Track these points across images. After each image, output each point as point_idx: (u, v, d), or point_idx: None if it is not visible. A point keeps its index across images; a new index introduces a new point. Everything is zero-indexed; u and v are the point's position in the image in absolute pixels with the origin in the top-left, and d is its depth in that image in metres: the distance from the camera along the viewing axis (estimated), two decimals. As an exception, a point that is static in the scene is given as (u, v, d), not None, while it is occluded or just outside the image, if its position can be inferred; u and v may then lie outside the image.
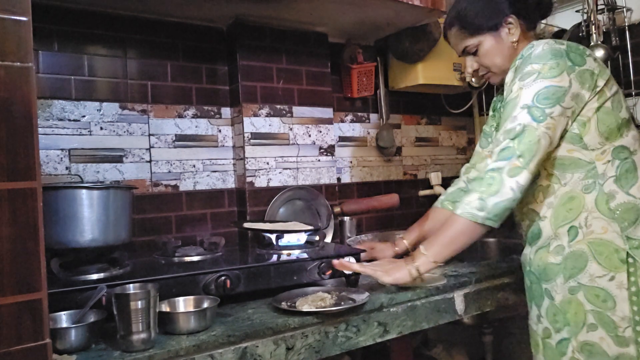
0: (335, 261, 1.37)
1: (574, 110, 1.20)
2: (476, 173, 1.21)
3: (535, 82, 1.18)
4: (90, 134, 1.67)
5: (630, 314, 1.15)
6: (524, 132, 1.16)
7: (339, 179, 2.21)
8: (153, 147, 1.78)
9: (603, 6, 2.03)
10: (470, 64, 1.40)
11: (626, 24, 2.02)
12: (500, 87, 1.46)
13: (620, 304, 1.16)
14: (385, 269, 1.32)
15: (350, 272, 1.42)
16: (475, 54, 1.38)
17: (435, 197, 2.43)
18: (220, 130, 1.92)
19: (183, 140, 1.84)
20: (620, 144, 1.22)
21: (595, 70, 1.22)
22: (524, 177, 1.16)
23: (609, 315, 1.16)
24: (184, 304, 1.19)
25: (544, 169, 1.25)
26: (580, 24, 2.03)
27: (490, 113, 1.58)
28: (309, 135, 2.02)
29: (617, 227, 1.18)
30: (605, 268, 1.17)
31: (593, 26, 1.98)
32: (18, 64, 0.80)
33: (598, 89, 1.21)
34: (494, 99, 1.59)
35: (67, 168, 1.63)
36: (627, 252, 1.16)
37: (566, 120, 1.20)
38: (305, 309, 1.21)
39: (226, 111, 1.94)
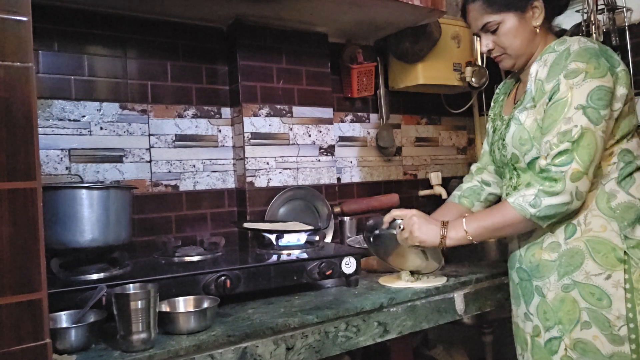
0: (385, 217, 1.42)
1: (619, 110, 1.20)
2: (540, 166, 1.18)
3: (585, 81, 1.16)
4: (90, 134, 1.67)
5: (625, 313, 1.15)
6: (584, 136, 1.13)
7: (339, 179, 2.21)
8: (153, 147, 1.78)
9: (603, 6, 2.03)
10: (486, 42, 1.33)
11: (626, 24, 2.02)
12: (508, 72, 1.41)
13: (616, 303, 1.16)
14: (420, 225, 1.31)
15: (350, 272, 1.43)
16: (494, 32, 1.31)
17: (435, 197, 2.46)
18: (220, 130, 1.92)
19: (183, 140, 1.84)
20: (626, 147, 1.23)
21: (626, 70, 1.22)
22: (584, 184, 1.15)
23: (603, 314, 1.17)
24: (184, 304, 1.19)
25: None
26: (580, 24, 2.03)
27: (492, 104, 1.52)
28: (309, 135, 2.02)
29: (617, 226, 1.18)
30: (601, 266, 1.18)
31: (593, 26, 1.98)
32: (18, 64, 0.80)
33: (628, 91, 1.21)
34: (497, 90, 1.53)
35: (67, 168, 1.63)
36: (625, 251, 1.17)
37: (613, 123, 1.20)
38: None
39: (226, 111, 1.94)
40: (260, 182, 1.89)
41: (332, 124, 2.10)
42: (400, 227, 1.36)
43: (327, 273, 1.39)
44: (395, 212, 1.40)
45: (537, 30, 1.30)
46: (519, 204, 1.18)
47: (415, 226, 1.32)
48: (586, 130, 1.14)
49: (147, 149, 1.77)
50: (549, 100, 1.20)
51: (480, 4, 1.31)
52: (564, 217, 1.21)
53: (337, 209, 2.02)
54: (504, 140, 1.34)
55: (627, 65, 2.01)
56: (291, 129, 1.98)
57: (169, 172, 1.81)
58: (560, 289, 1.22)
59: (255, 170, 1.89)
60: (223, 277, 1.26)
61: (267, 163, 1.92)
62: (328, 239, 1.96)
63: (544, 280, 1.25)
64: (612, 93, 1.17)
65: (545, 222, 1.19)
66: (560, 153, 1.15)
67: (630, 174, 1.22)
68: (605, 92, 1.16)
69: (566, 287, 1.21)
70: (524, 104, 1.29)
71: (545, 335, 1.24)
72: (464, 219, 1.28)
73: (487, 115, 2.57)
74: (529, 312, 1.29)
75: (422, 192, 2.46)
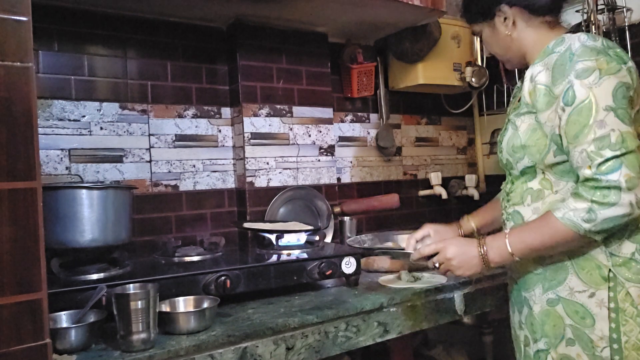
0: (414, 255, 1.28)
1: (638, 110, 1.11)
2: (585, 176, 1.06)
3: (602, 79, 1.06)
4: (90, 134, 1.67)
5: (608, 333, 1.10)
6: (625, 139, 1.03)
7: (339, 179, 2.21)
8: (153, 147, 1.78)
9: (603, 6, 2.03)
10: (486, 48, 1.39)
11: (626, 24, 2.01)
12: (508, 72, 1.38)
13: (599, 323, 1.10)
14: (459, 262, 1.19)
15: (350, 272, 1.42)
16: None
17: (435, 197, 2.46)
18: (220, 130, 1.92)
19: (183, 140, 1.84)
20: None
21: (634, 68, 1.13)
22: None
23: (587, 333, 1.12)
24: (184, 304, 1.19)
25: (541, 173, 1.18)
26: (580, 24, 2.03)
27: (511, 99, 1.45)
28: (309, 135, 2.02)
29: (601, 242, 1.11)
30: (585, 283, 1.12)
31: (593, 26, 1.98)
32: (18, 64, 0.80)
33: (635, 94, 1.11)
34: (517, 84, 1.44)
35: (67, 168, 1.63)
36: (610, 269, 1.10)
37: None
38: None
39: (226, 111, 1.94)
40: (260, 182, 1.89)
41: (332, 124, 2.10)
42: (435, 266, 1.23)
43: (327, 273, 1.39)
44: (426, 251, 1.24)
45: (514, 35, 1.25)
46: (570, 219, 1.05)
47: (454, 263, 1.20)
48: (625, 133, 1.04)
49: (147, 149, 1.77)
50: (565, 105, 1.09)
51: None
52: None
53: (337, 209, 2.02)
54: (501, 143, 1.29)
55: (627, 65, 2.02)
56: (291, 129, 1.98)
57: (169, 172, 1.81)
58: (546, 303, 1.17)
59: (255, 170, 1.89)
60: (223, 277, 1.26)
61: (267, 163, 1.92)
62: (328, 239, 1.96)
63: (530, 292, 1.21)
64: (631, 89, 1.08)
65: (601, 236, 1.08)
66: (605, 160, 1.03)
67: None
68: (626, 89, 1.07)
69: (551, 301, 1.16)
70: (518, 109, 1.23)
71: (533, 347, 1.21)
72: (507, 240, 1.15)
73: (486, 115, 2.58)
74: (521, 321, 1.26)
75: (422, 192, 2.46)
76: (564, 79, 1.10)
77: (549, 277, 1.17)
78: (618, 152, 1.02)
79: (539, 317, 1.19)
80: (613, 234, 1.10)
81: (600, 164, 1.03)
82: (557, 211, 1.08)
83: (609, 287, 1.10)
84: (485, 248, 1.17)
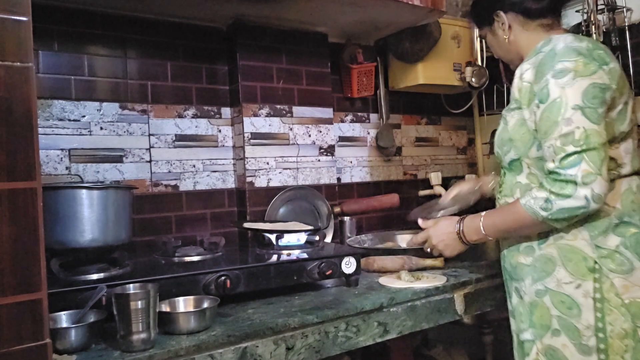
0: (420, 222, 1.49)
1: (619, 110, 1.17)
2: (548, 169, 1.13)
3: (575, 80, 1.12)
4: (90, 134, 1.67)
5: (594, 323, 1.14)
6: (588, 136, 1.08)
7: (339, 179, 2.21)
8: (153, 147, 1.78)
9: (603, 6, 2.03)
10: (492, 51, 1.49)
11: (626, 24, 2.01)
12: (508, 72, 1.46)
13: (585, 313, 1.14)
14: (444, 246, 1.39)
15: (350, 272, 1.43)
16: None
17: (435, 197, 2.45)
18: (220, 130, 1.92)
19: (183, 140, 1.84)
20: (610, 154, 1.16)
21: (616, 69, 1.17)
22: (600, 185, 1.07)
23: (573, 323, 1.15)
24: (184, 304, 1.19)
25: (527, 167, 1.23)
26: (580, 24, 2.03)
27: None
28: (309, 135, 2.02)
29: (587, 235, 1.16)
30: (572, 275, 1.16)
31: (593, 26, 1.98)
32: (18, 64, 0.80)
33: (617, 94, 1.16)
34: None
35: (67, 168, 1.63)
36: (595, 261, 1.15)
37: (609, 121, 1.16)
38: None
39: (226, 111, 1.94)
40: (260, 182, 1.89)
41: (332, 124, 2.10)
42: (428, 251, 1.46)
43: (327, 273, 1.39)
44: (417, 241, 1.47)
45: (511, 39, 1.34)
46: (530, 206, 1.14)
47: (440, 247, 1.40)
48: (588, 130, 1.09)
49: (147, 149, 1.77)
50: (540, 102, 1.16)
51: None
52: None
53: (337, 209, 2.02)
54: (494, 137, 1.35)
55: (627, 65, 2.02)
56: (291, 129, 1.98)
57: (169, 172, 1.81)
58: (534, 294, 1.22)
59: (255, 170, 1.89)
60: (223, 277, 1.26)
61: (267, 163, 1.92)
62: (328, 239, 1.96)
63: (521, 283, 1.26)
64: (607, 89, 1.13)
65: (561, 224, 1.15)
66: (567, 155, 1.09)
67: (610, 181, 1.15)
68: (599, 90, 1.12)
69: (539, 292, 1.21)
70: (509, 105, 1.29)
71: (521, 336, 1.26)
72: (481, 222, 1.28)
73: (487, 115, 2.57)
74: (513, 311, 1.31)
75: (422, 192, 2.46)
76: (543, 77, 1.16)
77: (538, 268, 1.22)
78: (579, 148, 1.09)
79: (527, 307, 1.24)
80: (598, 226, 1.16)
81: (562, 159, 1.10)
82: (522, 198, 1.18)
83: (594, 279, 1.15)
84: (462, 227, 1.33)
